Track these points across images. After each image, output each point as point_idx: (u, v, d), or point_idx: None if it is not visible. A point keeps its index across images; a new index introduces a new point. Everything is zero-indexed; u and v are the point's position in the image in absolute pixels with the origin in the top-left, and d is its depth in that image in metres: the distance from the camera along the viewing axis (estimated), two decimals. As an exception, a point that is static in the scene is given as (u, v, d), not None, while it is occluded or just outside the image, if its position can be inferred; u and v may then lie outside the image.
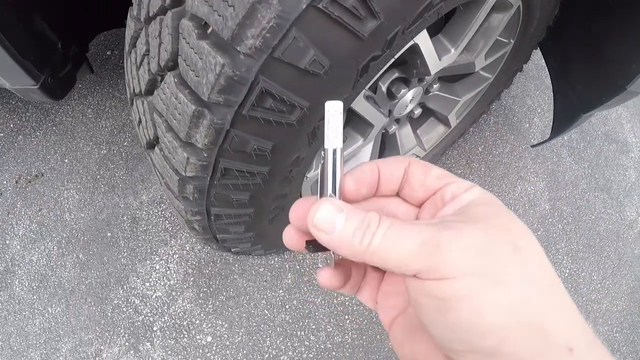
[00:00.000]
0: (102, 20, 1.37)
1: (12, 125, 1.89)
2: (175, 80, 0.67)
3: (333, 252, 0.35)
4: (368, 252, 0.30)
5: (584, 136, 2.04)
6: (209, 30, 0.63)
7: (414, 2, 0.65)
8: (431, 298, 0.29)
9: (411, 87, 1.11)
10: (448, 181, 0.34)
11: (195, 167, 0.72)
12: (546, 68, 1.80)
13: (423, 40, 0.92)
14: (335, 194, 0.34)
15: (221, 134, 0.66)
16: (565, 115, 1.34)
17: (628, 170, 2.05)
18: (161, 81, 0.75)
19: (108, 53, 1.86)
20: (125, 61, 0.93)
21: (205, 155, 0.70)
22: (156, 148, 0.80)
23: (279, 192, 0.87)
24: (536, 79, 1.98)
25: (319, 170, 0.35)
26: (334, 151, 0.34)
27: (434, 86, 1.25)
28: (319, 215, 0.31)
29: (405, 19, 0.67)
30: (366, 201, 0.37)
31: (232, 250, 1.05)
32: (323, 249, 0.35)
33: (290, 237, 0.36)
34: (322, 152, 0.35)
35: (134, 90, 0.87)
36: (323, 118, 0.32)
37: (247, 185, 0.78)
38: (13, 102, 1.95)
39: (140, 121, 0.86)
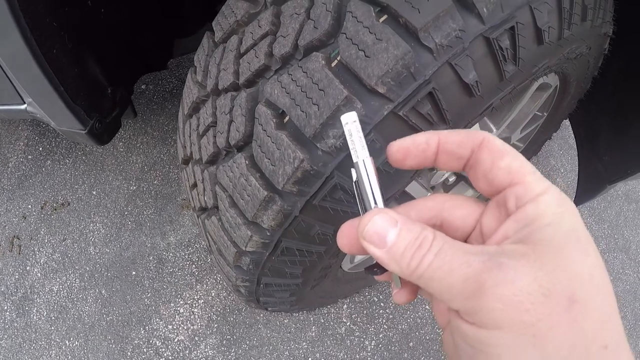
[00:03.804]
0: (147, 61, 1.38)
1: (41, 149, 1.90)
2: (247, 162, 0.68)
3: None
4: (414, 275, 0.27)
5: (605, 196, 2.04)
6: (286, 120, 0.65)
7: (478, 107, 0.68)
8: (464, 341, 0.27)
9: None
10: (516, 180, 0.29)
11: (257, 244, 0.73)
12: (569, 128, 1.82)
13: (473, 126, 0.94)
14: (378, 207, 0.32)
15: (289, 219, 0.68)
16: (591, 185, 1.34)
17: (647, 231, 2.05)
18: (226, 155, 0.76)
19: (142, 87, 1.88)
20: (181, 122, 0.95)
21: (269, 234, 0.71)
22: (213, 218, 0.81)
23: (327, 264, 0.88)
24: (560, 139, 2.00)
25: (354, 190, 0.34)
26: (364, 162, 0.32)
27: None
28: (369, 227, 0.29)
29: (469, 121, 0.69)
30: (424, 201, 0.33)
31: (269, 309, 1.05)
32: (382, 269, 0.33)
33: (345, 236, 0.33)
34: (352, 169, 0.33)
35: (191, 154, 0.88)
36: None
37: (303, 262, 0.79)
38: (43, 126, 1.95)
39: (195, 185, 0.87)
